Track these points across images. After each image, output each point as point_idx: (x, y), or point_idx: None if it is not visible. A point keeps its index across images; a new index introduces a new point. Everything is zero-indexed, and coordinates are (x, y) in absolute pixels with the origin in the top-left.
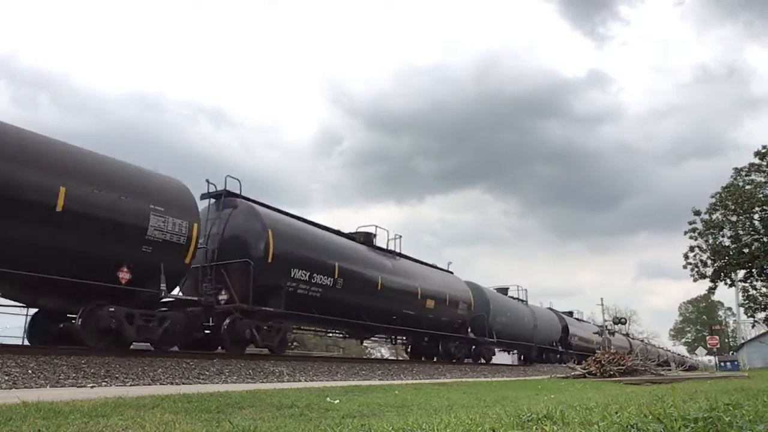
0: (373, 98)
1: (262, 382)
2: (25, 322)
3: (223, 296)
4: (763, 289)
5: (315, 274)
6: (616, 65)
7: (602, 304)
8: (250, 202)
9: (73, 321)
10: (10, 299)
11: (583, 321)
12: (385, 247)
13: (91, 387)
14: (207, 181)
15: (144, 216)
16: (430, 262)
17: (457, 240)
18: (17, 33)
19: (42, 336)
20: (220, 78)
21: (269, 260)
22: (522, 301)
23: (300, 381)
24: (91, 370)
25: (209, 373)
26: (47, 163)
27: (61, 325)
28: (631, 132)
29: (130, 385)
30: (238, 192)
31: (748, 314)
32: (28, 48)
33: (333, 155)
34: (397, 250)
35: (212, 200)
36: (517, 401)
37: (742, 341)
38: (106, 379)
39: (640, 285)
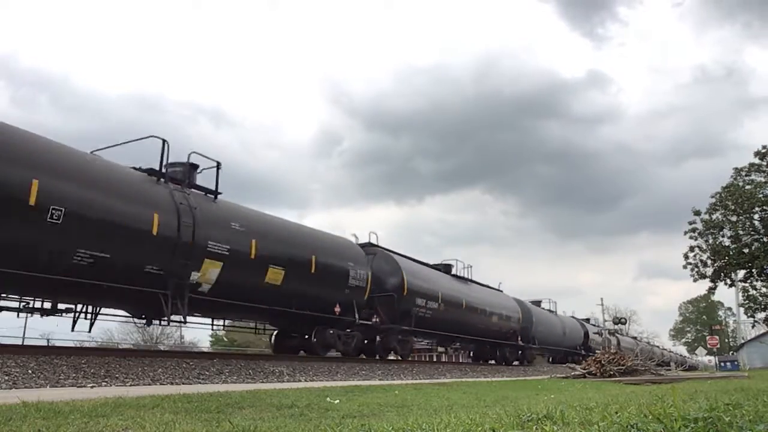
0: (373, 98)
1: (262, 382)
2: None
3: (375, 319)
4: (763, 289)
5: (429, 301)
6: (615, 66)
7: (602, 304)
8: (386, 251)
9: (294, 336)
10: (264, 323)
11: (598, 326)
12: (458, 273)
13: (91, 387)
14: (354, 235)
15: (346, 271)
16: (484, 282)
17: (457, 240)
18: (17, 34)
19: (281, 346)
20: (220, 78)
21: (404, 293)
22: (552, 312)
23: (300, 381)
24: (91, 370)
25: (209, 373)
26: (306, 243)
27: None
28: (630, 132)
29: (130, 385)
30: (376, 242)
31: (748, 314)
32: (27, 49)
33: (333, 155)
34: (467, 276)
35: None
36: (517, 401)
37: (742, 341)
38: (106, 379)
39: (640, 285)
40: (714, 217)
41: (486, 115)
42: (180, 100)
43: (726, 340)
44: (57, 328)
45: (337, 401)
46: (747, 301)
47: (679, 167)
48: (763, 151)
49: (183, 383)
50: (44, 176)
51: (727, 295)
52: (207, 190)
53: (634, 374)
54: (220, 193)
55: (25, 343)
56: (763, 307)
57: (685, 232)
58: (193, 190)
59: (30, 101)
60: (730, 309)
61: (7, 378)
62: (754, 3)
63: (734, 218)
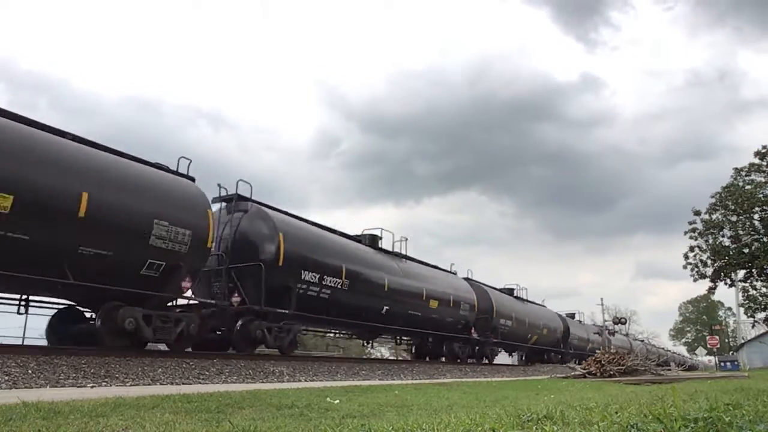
0: (369, 102)
1: (262, 382)
2: (26, 322)
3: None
4: (763, 289)
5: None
6: (608, 70)
7: (602, 304)
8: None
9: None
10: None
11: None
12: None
13: (91, 387)
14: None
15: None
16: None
17: (456, 241)
18: (16, 37)
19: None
20: (219, 82)
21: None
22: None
23: (300, 381)
24: (91, 370)
25: (209, 373)
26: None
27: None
28: (625, 135)
29: (130, 385)
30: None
31: (748, 314)
32: (27, 52)
33: (331, 157)
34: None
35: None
36: (517, 401)
37: (742, 341)
38: (106, 379)
39: (638, 285)
40: (714, 217)
41: (481, 117)
42: (179, 103)
43: (726, 340)
44: None
45: (337, 401)
46: (747, 301)
47: (673, 169)
48: (763, 151)
49: (183, 383)
50: None
51: (727, 295)
52: None
53: (634, 374)
54: None
55: (25, 343)
56: (763, 307)
57: (685, 232)
58: None
59: (30, 104)
60: (730, 309)
61: (7, 378)
62: (743, 8)
63: (734, 218)
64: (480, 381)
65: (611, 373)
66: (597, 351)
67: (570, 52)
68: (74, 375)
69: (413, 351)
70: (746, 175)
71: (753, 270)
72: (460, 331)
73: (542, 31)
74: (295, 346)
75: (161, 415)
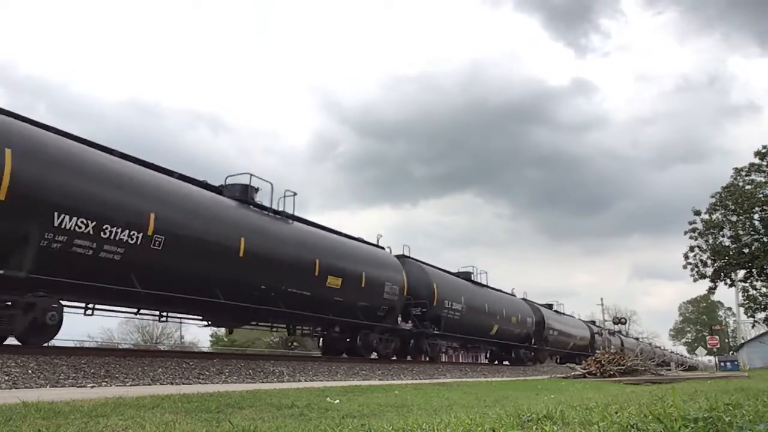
0: (363, 106)
1: (262, 382)
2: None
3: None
4: (763, 289)
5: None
6: (599, 75)
7: (602, 305)
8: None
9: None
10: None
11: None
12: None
13: (91, 387)
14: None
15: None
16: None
17: (453, 242)
18: (15, 40)
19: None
20: (217, 86)
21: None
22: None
23: (300, 381)
24: (91, 370)
25: (209, 373)
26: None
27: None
28: (617, 138)
29: (130, 385)
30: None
31: (748, 314)
32: (25, 55)
33: (328, 160)
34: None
35: None
36: (517, 401)
37: (742, 341)
38: (106, 379)
39: (635, 286)
40: (714, 217)
41: (475, 121)
42: (178, 107)
43: (726, 340)
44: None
45: (337, 401)
46: (747, 301)
47: (666, 171)
48: (763, 151)
49: (183, 383)
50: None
51: (727, 295)
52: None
53: (634, 374)
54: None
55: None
56: (763, 307)
57: (685, 232)
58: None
59: (29, 108)
60: (730, 309)
61: (7, 378)
62: (731, 15)
63: (734, 218)
64: (480, 381)
65: (611, 373)
66: (597, 351)
67: (561, 57)
68: (74, 375)
69: (488, 356)
70: (746, 175)
71: (753, 270)
72: (524, 341)
73: (534, 38)
74: (437, 355)
75: (161, 415)
